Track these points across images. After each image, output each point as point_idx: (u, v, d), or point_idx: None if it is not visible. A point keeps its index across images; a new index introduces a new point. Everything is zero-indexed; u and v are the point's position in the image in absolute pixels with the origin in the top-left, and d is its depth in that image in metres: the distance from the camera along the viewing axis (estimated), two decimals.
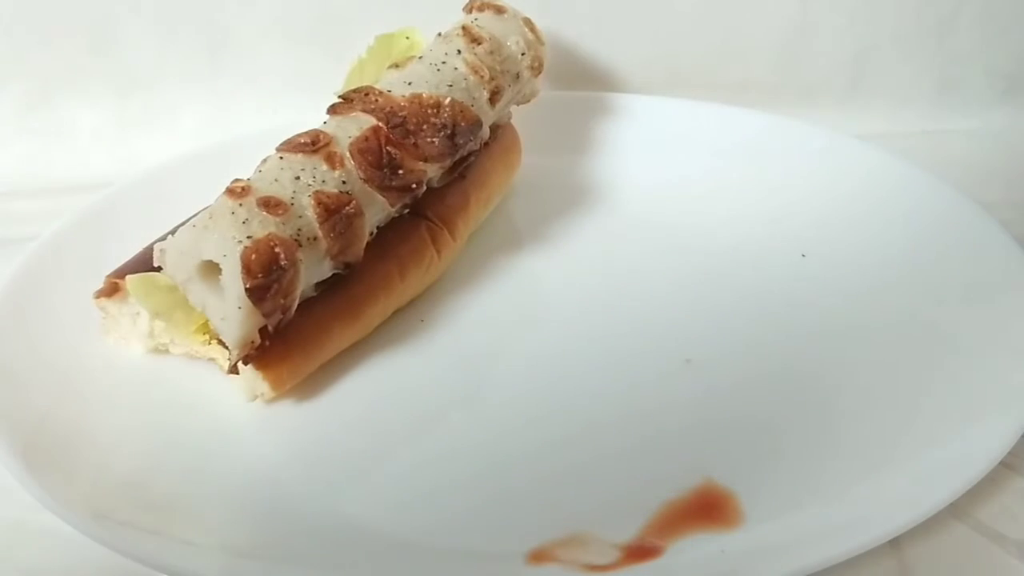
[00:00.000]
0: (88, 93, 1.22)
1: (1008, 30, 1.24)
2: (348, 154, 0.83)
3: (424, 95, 0.89)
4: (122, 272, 0.85)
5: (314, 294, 0.84)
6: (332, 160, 0.82)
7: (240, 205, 0.77)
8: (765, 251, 0.99)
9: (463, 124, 0.90)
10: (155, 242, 0.81)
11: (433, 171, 0.91)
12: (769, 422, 0.79)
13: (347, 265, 0.84)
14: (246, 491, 0.75)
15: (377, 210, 0.86)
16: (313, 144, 0.83)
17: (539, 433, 0.80)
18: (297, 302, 0.80)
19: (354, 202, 0.82)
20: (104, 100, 1.23)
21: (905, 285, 0.91)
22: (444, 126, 0.89)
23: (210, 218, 0.77)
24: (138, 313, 0.86)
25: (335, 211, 0.80)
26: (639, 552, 0.68)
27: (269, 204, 0.78)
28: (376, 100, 0.87)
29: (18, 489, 0.70)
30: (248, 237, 0.75)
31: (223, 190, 0.79)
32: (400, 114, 0.87)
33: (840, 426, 0.78)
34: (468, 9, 1.01)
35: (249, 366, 0.80)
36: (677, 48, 1.25)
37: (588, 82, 1.26)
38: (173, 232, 0.80)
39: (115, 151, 1.23)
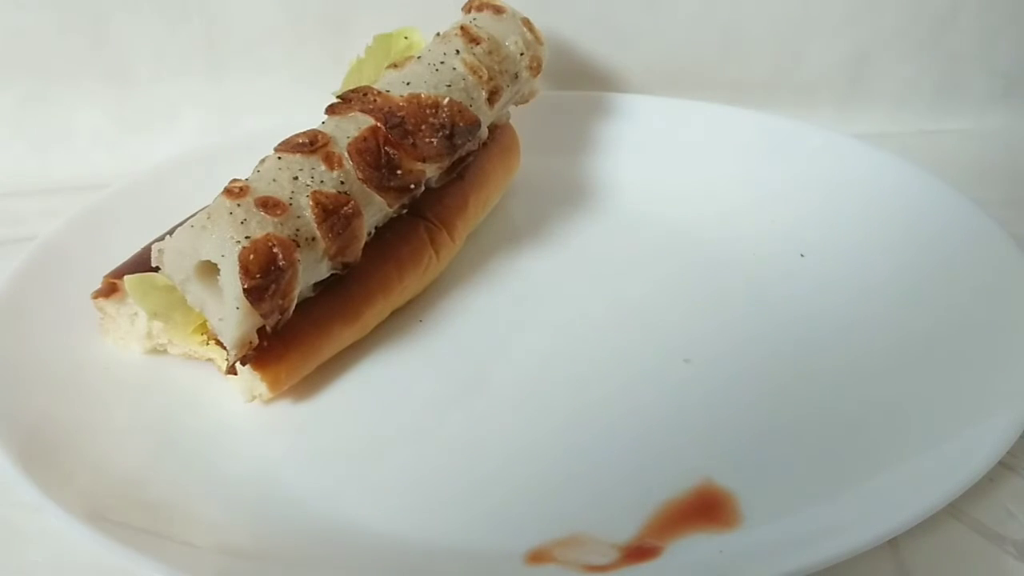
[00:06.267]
0: (87, 93, 1.22)
1: (1006, 30, 1.24)
2: (346, 154, 0.83)
3: (422, 95, 0.89)
4: (120, 272, 0.85)
5: (312, 295, 0.84)
6: (330, 160, 0.82)
7: (238, 205, 0.77)
8: (764, 251, 0.99)
9: (461, 124, 0.90)
10: (153, 242, 0.81)
11: (431, 171, 0.91)
12: (768, 422, 0.79)
13: (345, 265, 0.84)
14: (243, 491, 0.75)
15: (375, 210, 0.86)
16: (311, 144, 0.83)
17: (537, 433, 0.80)
18: (295, 303, 0.80)
19: (352, 202, 0.82)
20: (103, 100, 1.23)
21: (903, 285, 0.91)
22: (442, 126, 0.89)
23: (208, 218, 0.76)
24: (136, 314, 0.86)
25: (333, 211, 0.80)
26: (638, 552, 0.68)
27: (267, 204, 0.78)
28: (374, 100, 0.87)
29: (15, 489, 0.70)
30: (246, 237, 0.75)
31: (221, 190, 0.79)
32: (398, 114, 0.87)
33: (838, 426, 0.78)
34: (467, 9, 1.01)
35: (247, 367, 0.80)
36: (676, 48, 1.25)
37: (587, 82, 1.27)
38: (171, 232, 0.80)
39: (114, 151, 1.23)
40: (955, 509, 0.70)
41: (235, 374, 0.81)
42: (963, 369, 0.80)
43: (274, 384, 0.82)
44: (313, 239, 0.79)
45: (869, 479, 0.72)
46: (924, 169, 1.02)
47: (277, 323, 0.79)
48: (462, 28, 0.96)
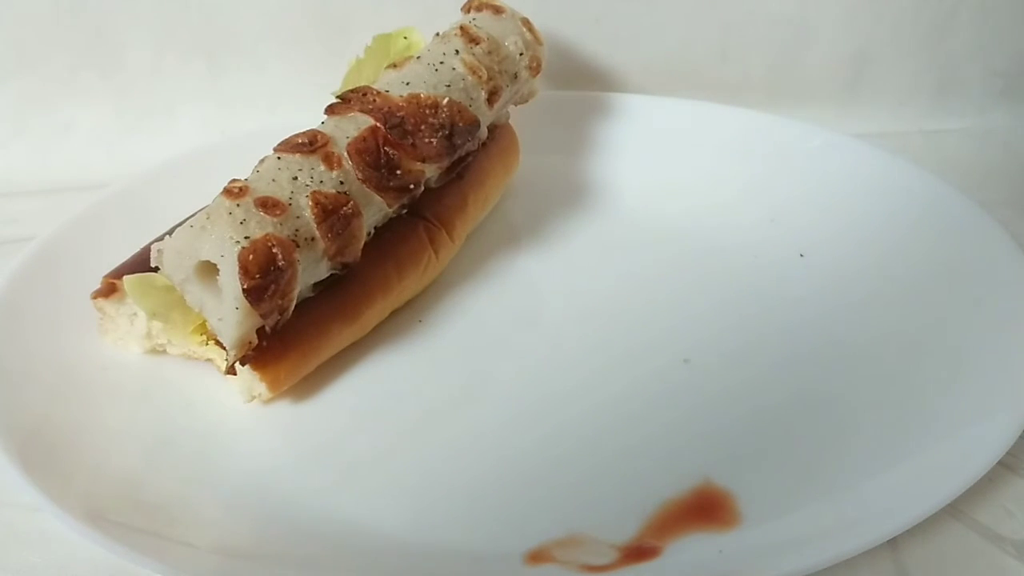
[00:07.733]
0: (87, 93, 1.22)
1: (1005, 30, 1.24)
2: (346, 154, 0.83)
3: (422, 95, 0.89)
4: (120, 272, 0.85)
5: (312, 295, 0.84)
6: (330, 160, 0.82)
7: (238, 205, 0.77)
8: (763, 250, 0.99)
9: (461, 124, 0.90)
10: (153, 242, 0.81)
11: (431, 171, 0.91)
12: (767, 422, 0.79)
13: (345, 266, 0.84)
14: (243, 492, 0.75)
15: (375, 210, 0.86)
16: (311, 144, 0.83)
17: (537, 433, 0.80)
18: (295, 303, 0.80)
19: (352, 202, 0.82)
20: (102, 100, 1.23)
21: (903, 285, 0.91)
22: (442, 126, 0.89)
23: (207, 218, 0.76)
24: (135, 314, 0.86)
25: (333, 211, 0.80)
26: (637, 552, 0.68)
27: (267, 204, 0.77)
28: (374, 100, 0.87)
29: (15, 489, 0.70)
30: (246, 237, 0.75)
31: (221, 190, 0.79)
32: (398, 114, 0.87)
33: (838, 426, 0.78)
34: (466, 9, 1.01)
35: (246, 367, 0.80)
36: (676, 48, 1.25)
37: (586, 82, 1.27)
38: (171, 232, 0.80)
39: (113, 151, 1.23)
40: (955, 509, 0.70)
41: (234, 374, 0.81)
42: (963, 369, 0.80)
43: (274, 384, 0.82)
44: (312, 239, 0.79)
45: (869, 479, 0.72)
46: (924, 169, 1.02)
47: (277, 323, 0.79)
48: (462, 28, 0.96)
